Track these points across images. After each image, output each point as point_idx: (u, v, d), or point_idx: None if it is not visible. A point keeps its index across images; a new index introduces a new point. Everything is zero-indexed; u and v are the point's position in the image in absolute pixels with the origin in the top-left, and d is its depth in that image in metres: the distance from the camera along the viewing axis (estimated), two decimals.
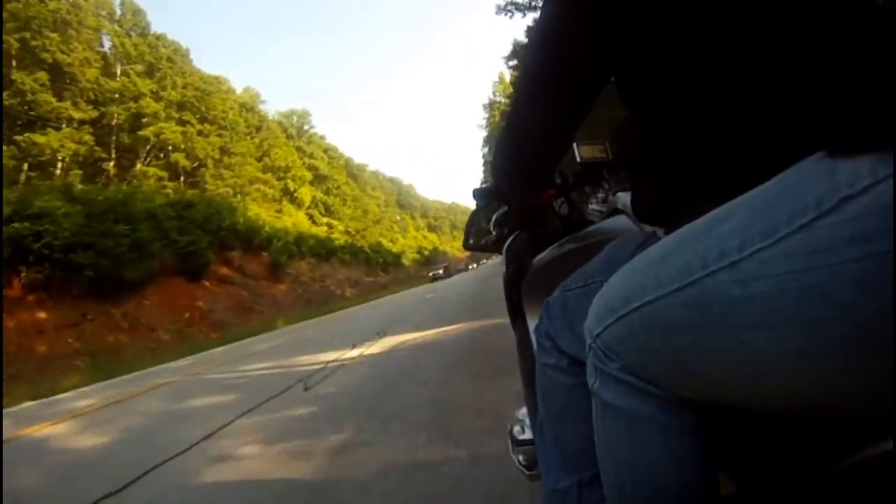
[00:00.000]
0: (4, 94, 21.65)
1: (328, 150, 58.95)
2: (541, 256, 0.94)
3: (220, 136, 36.94)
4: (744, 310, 0.36)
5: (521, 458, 0.95)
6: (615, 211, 0.87)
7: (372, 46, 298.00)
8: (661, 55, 0.47)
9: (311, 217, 51.66)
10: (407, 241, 73.57)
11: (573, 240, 0.91)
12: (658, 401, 0.46)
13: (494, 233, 0.98)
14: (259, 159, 43.78)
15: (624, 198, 0.82)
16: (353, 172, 67.23)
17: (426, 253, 72.67)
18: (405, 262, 60.93)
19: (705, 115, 0.45)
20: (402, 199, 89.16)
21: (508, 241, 1.00)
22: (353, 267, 40.08)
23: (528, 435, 0.95)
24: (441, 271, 43.98)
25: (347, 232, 54.84)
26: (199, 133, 34.77)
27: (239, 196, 36.05)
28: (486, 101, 43.11)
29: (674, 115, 0.48)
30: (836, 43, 0.38)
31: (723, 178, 0.44)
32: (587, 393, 0.52)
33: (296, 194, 47.91)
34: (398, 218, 62.64)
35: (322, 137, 60.40)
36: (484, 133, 43.70)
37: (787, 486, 0.48)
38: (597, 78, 0.53)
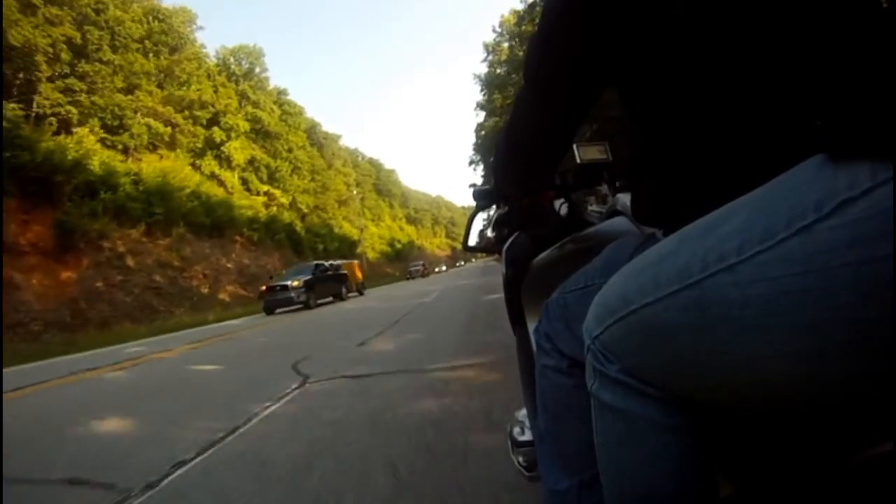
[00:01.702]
0: None
1: (285, 105, 44.44)
2: (541, 257, 0.96)
3: (83, 34, 21.91)
4: (742, 312, 0.37)
5: (520, 459, 0.95)
6: (615, 212, 0.89)
7: (369, 27, 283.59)
8: (661, 57, 0.48)
9: (245, 182, 36.52)
10: (380, 230, 59.33)
11: (573, 241, 0.92)
12: (657, 402, 0.47)
13: (494, 233, 1.01)
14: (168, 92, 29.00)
15: (623, 199, 0.84)
16: (320, 140, 53.14)
17: (399, 245, 58.56)
18: (370, 254, 46.34)
19: (705, 117, 0.47)
20: (381, 185, 75.75)
21: (508, 242, 1.01)
22: (266, 251, 25.64)
23: (527, 436, 0.95)
24: (291, 286, 13.65)
25: (297, 208, 40.49)
26: (45, 20, 19.70)
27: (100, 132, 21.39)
28: (491, 38, 29.15)
29: (673, 116, 0.50)
30: (837, 46, 0.39)
31: (722, 179, 0.46)
32: (587, 394, 0.53)
33: (223, 148, 35.20)
34: (355, 191, 48.17)
35: (283, 92, 45.93)
36: (480, 80, 29.58)
37: (785, 487, 0.50)
38: (597, 80, 0.54)
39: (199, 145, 34.79)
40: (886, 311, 0.31)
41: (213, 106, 36.48)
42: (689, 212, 0.45)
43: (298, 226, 35.26)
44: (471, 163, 37.62)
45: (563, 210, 1.01)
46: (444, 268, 55.62)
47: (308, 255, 31.79)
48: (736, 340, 0.38)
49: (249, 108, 41.02)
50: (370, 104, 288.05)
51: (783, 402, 0.40)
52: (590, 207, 1.00)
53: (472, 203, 1.00)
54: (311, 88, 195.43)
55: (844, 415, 0.40)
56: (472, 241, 1.04)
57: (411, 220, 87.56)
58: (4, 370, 6.25)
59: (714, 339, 0.39)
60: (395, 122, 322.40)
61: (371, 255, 50.16)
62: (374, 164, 78.05)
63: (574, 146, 0.94)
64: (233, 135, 37.10)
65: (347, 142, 79.64)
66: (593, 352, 0.50)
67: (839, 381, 0.35)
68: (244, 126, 37.92)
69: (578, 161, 0.95)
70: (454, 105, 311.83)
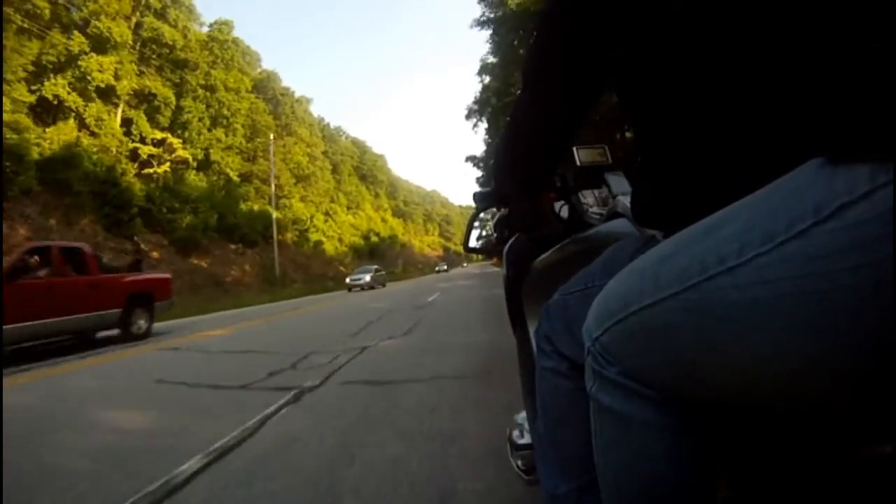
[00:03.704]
0: None
1: (218, 40, 29.99)
2: (541, 259, 0.95)
3: None
4: (742, 315, 0.37)
5: (519, 462, 0.94)
6: (615, 214, 0.88)
7: (372, 26, 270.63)
8: (660, 59, 0.48)
9: (127, 124, 25.83)
10: (356, 220, 44.99)
11: (573, 242, 0.92)
12: (656, 405, 0.46)
13: (495, 235, 1.02)
14: None
15: (624, 201, 0.84)
16: (276, 97, 38.44)
17: (375, 239, 43.97)
18: (330, 246, 31.94)
19: (705, 119, 0.46)
20: (366, 169, 61.35)
21: (509, 244, 1.01)
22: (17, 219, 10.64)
23: (527, 439, 0.94)
24: None
25: (217, 171, 29.66)
26: None
27: None
28: None
29: (673, 119, 0.50)
30: (837, 48, 0.38)
31: (722, 182, 0.45)
32: (587, 397, 0.53)
33: (81, 62, 22.76)
34: (282, 145, 33.54)
35: (225, 24, 31.49)
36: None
37: (785, 487, 0.49)
38: (596, 81, 0.55)
39: (54, 58, 20.79)
40: (886, 313, 0.30)
41: (84, 6, 22.46)
42: (689, 214, 0.45)
43: (130, 177, 20.16)
44: (469, 115, 23.53)
45: (564, 212, 1.01)
46: (363, 278, 22.92)
47: (140, 231, 17.42)
48: (735, 342, 0.37)
49: (149, 19, 26.85)
50: (370, 100, 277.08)
51: (783, 403, 0.40)
52: (590, 209, 0.98)
53: (470, 202, 1.00)
54: (313, 85, 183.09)
55: (844, 415, 0.40)
56: (472, 242, 1.05)
57: (399, 213, 74.07)
58: None
59: (714, 340, 0.39)
60: (395, 118, 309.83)
61: (332, 248, 35.93)
62: (357, 144, 64.67)
63: (574, 149, 0.95)
64: (111, 51, 22.90)
65: (345, 128, 64.82)
66: (593, 354, 0.50)
67: (838, 382, 0.35)
68: (123, 35, 23.76)
69: (578, 163, 0.96)
70: (456, 105, 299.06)
